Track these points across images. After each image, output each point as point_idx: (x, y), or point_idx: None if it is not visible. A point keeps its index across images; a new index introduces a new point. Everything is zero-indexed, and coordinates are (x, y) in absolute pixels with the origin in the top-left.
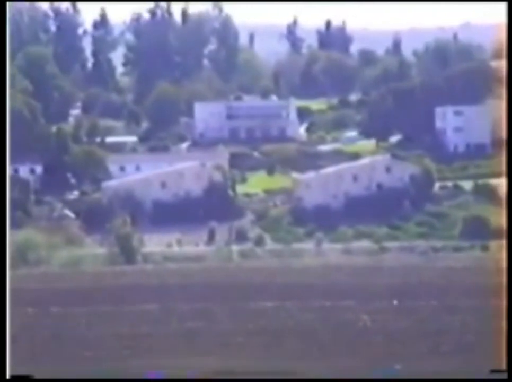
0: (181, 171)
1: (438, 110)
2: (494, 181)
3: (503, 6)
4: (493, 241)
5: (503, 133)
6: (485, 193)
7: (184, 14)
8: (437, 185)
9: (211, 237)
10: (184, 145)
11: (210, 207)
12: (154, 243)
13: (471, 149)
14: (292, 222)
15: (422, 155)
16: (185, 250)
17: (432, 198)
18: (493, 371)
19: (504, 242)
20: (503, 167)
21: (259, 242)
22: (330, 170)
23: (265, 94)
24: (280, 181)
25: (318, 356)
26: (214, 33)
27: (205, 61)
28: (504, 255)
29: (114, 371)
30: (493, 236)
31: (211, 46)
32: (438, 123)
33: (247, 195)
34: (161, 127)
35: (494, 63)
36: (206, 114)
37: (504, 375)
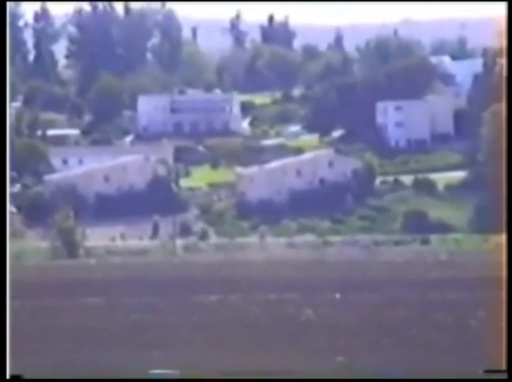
0: (124, 164)
1: (379, 105)
2: (433, 176)
3: (443, 3)
4: (433, 234)
5: (444, 129)
6: (425, 187)
7: (126, 6)
8: (379, 179)
9: (155, 232)
10: (128, 139)
11: (154, 201)
12: (97, 237)
13: (412, 144)
14: (236, 216)
15: (364, 149)
16: (129, 244)
17: (373, 192)
18: (491, 371)
19: (504, 239)
20: (442, 162)
21: (203, 236)
22: (274, 164)
23: (208, 88)
24: (224, 175)
25: (262, 350)
26: (157, 27)
27: (149, 55)
28: (504, 253)
29: (58, 365)
30: (433, 229)
31: (154, 39)
32: (380, 119)
33: (191, 189)
34: (104, 120)
35: (433, 59)
36: (150, 108)
37: (504, 375)
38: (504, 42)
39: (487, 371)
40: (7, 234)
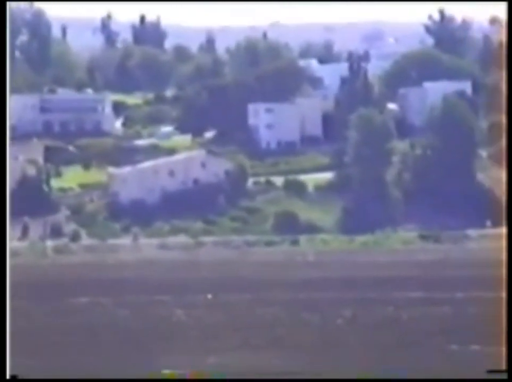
0: None
1: (251, 107)
2: (303, 177)
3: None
4: (302, 235)
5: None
6: (295, 188)
7: None
8: (250, 180)
9: (24, 233)
10: None
11: (24, 202)
12: None
13: (282, 146)
14: (108, 217)
15: (236, 151)
16: None
17: (245, 193)
18: (492, 371)
19: (504, 236)
20: (311, 163)
21: (74, 237)
22: (146, 164)
23: (80, 87)
24: (95, 175)
25: (134, 352)
26: (25, 25)
27: (17, 53)
28: (504, 250)
29: None
30: (302, 230)
31: (23, 37)
32: (251, 120)
33: (62, 190)
34: None
35: (301, 63)
36: (19, 107)
37: (504, 375)
38: (503, 42)
39: (488, 371)
40: (7, 234)
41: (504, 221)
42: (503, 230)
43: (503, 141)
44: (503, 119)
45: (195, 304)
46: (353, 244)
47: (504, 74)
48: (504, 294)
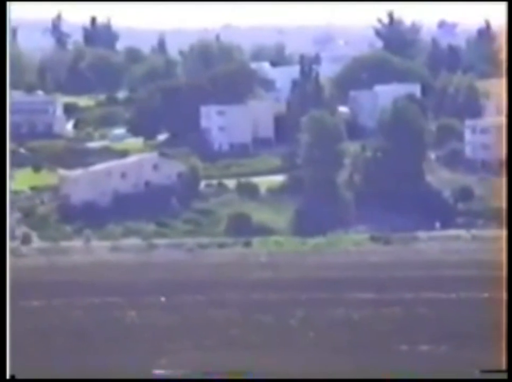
0: None
1: (203, 109)
2: (255, 179)
3: (267, 9)
4: (255, 237)
5: (265, 133)
6: (248, 191)
7: None
8: (203, 183)
9: None
10: None
11: None
12: None
13: (235, 148)
14: (60, 220)
15: (188, 153)
16: None
17: (198, 196)
18: (492, 371)
19: (504, 236)
20: (263, 165)
21: (26, 240)
22: (98, 167)
23: (30, 89)
24: (47, 178)
25: (88, 354)
26: None
27: None
28: (504, 249)
29: None
30: (255, 232)
31: None
32: (203, 122)
33: (13, 192)
34: None
35: (253, 65)
36: None
37: (504, 375)
38: (504, 42)
39: (488, 371)
40: (7, 234)
41: (504, 221)
42: (452, 232)
43: (452, 143)
44: (452, 122)
45: (148, 306)
46: (305, 245)
47: (503, 73)
48: (504, 295)
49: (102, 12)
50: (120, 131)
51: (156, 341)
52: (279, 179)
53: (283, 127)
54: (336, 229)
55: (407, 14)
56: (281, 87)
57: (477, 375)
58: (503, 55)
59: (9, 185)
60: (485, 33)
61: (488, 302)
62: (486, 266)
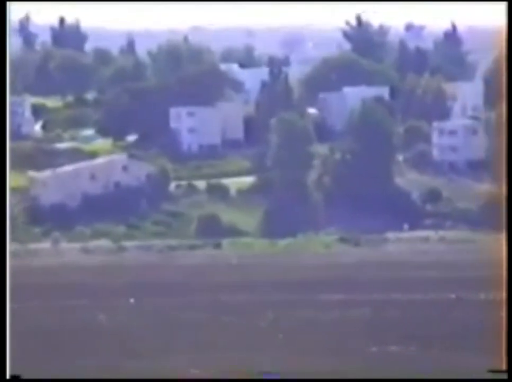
0: None
1: (172, 111)
2: (225, 181)
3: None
4: (225, 238)
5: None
6: (218, 192)
7: None
8: (173, 184)
9: None
10: None
11: None
12: None
13: (204, 149)
14: (29, 221)
15: (158, 154)
16: None
17: (168, 197)
18: (492, 371)
19: (504, 236)
20: (233, 167)
21: None
22: (67, 168)
23: None
24: (15, 179)
25: (56, 357)
26: None
27: None
28: (504, 249)
29: None
30: (225, 234)
31: None
32: (173, 124)
33: None
34: None
35: (223, 67)
36: None
37: (504, 375)
38: (503, 42)
39: (489, 371)
40: (7, 234)
41: (504, 222)
42: (421, 233)
43: (420, 145)
44: (420, 124)
45: (117, 308)
46: (275, 247)
47: (504, 74)
48: (504, 295)
49: (71, 13)
50: (89, 132)
51: (125, 344)
52: (248, 180)
53: (253, 128)
54: (306, 230)
55: (375, 16)
56: (250, 88)
57: (477, 375)
58: (471, 57)
59: None
60: (451, 35)
61: (456, 303)
62: (454, 267)
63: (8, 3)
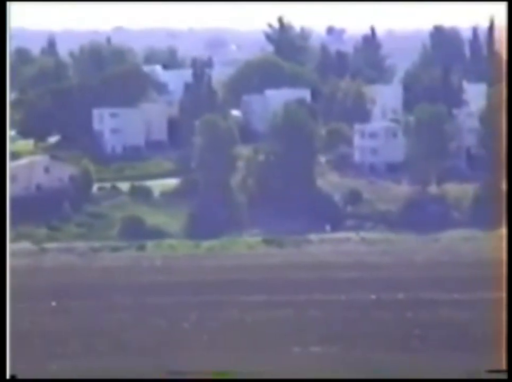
0: None
1: (95, 112)
2: (149, 183)
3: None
4: (149, 240)
5: (158, 136)
6: (141, 194)
7: None
8: (95, 186)
9: None
10: None
11: None
12: None
13: (128, 151)
14: None
15: (80, 156)
16: None
17: (90, 199)
18: (492, 371)
19: (504, 235)
20: (157, 169)
21: None
22: None
23: None
24: None
25: None
26: None
27: None
28: (504, 248)
29: None
30: (149, 235)
31: None
32: (96, 125)
33: None
34: None
35: (146, 68)
36: None
37: (504, 375)
38: (503, 43)
39: (489, 371)
40: (7, 235)
41: (504, 222)
42: (342, 234)
43: (341, 148)
44: (341, 126)
45: (39, 311)
46: (199, 248)
47: (503, 74)
48: (502, 295)
49: None
50: (10, 133)
51: (47, 346)
52: (172, 182)
53: (177, 130)
54: (229, 232)
55: (296, 19)
56: (174, 90)
57: (477, 375)
58: (389, 61)
59: None
60: (370, 39)
61: (376, 303)
62: (374, 267)
63: (8, 3)
